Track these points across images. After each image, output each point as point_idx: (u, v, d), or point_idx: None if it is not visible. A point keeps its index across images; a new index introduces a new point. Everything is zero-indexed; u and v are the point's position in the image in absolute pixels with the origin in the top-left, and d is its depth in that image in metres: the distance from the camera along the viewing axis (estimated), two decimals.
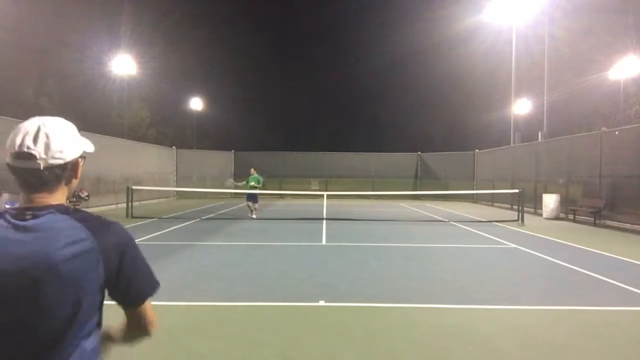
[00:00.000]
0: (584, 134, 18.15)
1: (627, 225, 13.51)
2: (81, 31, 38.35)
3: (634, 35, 33.91)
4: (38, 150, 1.22)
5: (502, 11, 26.51)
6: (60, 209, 1.25)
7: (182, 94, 49.38)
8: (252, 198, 16.00)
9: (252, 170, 16.56)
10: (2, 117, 15.14)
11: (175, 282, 6.45)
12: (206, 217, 16.25)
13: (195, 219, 15.36)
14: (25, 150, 1.21)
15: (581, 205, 15.55)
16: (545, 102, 24.82)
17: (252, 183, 16.05)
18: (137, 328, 1.37)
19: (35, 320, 1.13)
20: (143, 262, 1.34)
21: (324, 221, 14.77)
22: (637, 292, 6.09)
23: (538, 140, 21.23)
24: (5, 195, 14.06)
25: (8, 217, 1.20)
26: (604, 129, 15.87)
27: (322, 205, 21.06)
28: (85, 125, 29.22)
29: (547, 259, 8.46)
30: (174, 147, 29.39)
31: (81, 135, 1.39)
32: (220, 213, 17.95)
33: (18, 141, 1.23)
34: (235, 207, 21.30)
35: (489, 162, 26.05)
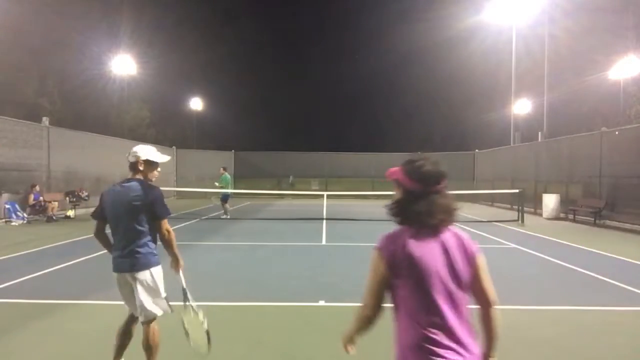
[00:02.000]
0: (584, 134, 18.15)
1: (627, 225, 13.50)
2: (81, 31, 38.36)
3: (634, 35, 33.91)
4: (130, 159, 3.24)
5: (502, 11, 26.51)
6: (137, 180, 3.21)
7: (182, 94, 49.42)
8: (226, 198, 16.05)
9: (222, 169, 16.58)
10: (2, 117, 15.16)
11: (175, 282, 6.45)
12: (206, 217, 16.25)
13: (195, 219, 15.36)
14: (128, 158, 3.25)
15: (581, 205, 15.55)
16: (545, 102, 24.82)
17: (222, 184, 16.17)
18: (161, 233, 3.25)
19: (126, 218, 3.12)
20: (162, 203, 3.23)
21: (324, 221, 14.76)
22: (637, 292, 6.09)
23: (538, 140, 21.22)
24: (5, 195, 14.07)
25: (120, 182, 3.24)
26: (604, 129, 15.86)
27: (322, 205, 21.06)
28: (85, 125, 29.27)
29: (547, 259, 8.46)
30: (174, 147, 29.38)
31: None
32: (220, 213, 17.94)
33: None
34: (235, 207, 21.30)
35: (489, 162, 26.04)
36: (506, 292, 6.10)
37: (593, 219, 14.64)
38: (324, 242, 10.36)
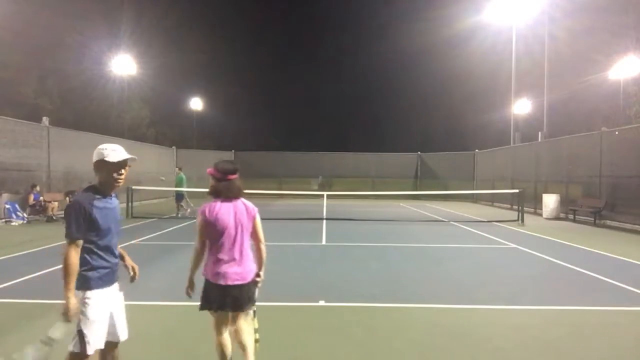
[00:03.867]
0: (584, 134, 18.14)
1: (627, 225, 13.50)
2: (81, 31, 38.32)
3: (634, 35, 33.88)
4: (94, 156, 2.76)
5: (502, 11, 26.50)
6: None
7: (182, 94, 49.39)
8: (180, 197, 16.08)
9: (178, 170, 16.58)
10: (2, 117, 15.15)
11: (175, 282, 6.45)
12: None
13: (196, 219, 15.35)
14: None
15: (581, 205, 15.55)
16: (545, 102, 24.81)
17: (177, 184, 16.22)
18: None
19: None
20: (67, 219, 2.65)
21: (324, 221, 14.76)
22: (637, 292, 6.09)
23: (538, 140, 21.22)
24: (5, 195, 14.06)
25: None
26: (604, 129, 15.86)
27: (322, 205, 21.06)
28: (85, 125, 29.26)
29: (547, 259, 8.46)
30: (174, 147, 29.38)
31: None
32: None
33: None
34: None
35: (489, 162, 26.04)
36: (506, 292, 6.10)
37: (593, 219, 14.64)
38: (324, 242, 10.36)
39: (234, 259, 3.04)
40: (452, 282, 6.63)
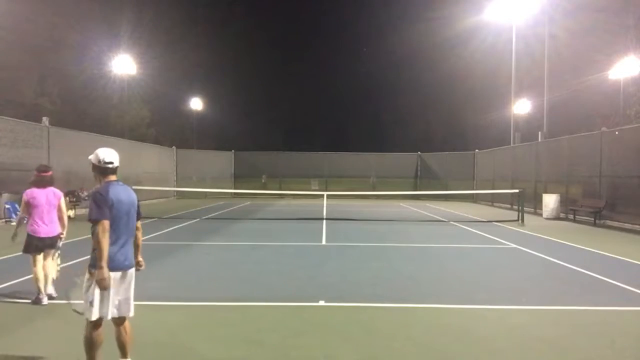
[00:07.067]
0: (584, 134, 18.13)
1: (627, 225, 13.50)
2: (81, 31, 38.32)
3: (634, 35, 33.86)
4: (115, 161, 3.57)
5: (502, 11, 26.49)
6: (118, 181, 3.59)
7: (182, 94, 49.34)
8: None
9: None
10: (2, 117, 15.16)
11: (175, 282, 6.46)
12: (206, 217, 16.25)
13: (195, 219, 15.36)
14: (111, 160, 3.55)
15: (581, 205, 15.55)
16: (545, 102, 24.79)
17: None
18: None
19: (133, 216, 3.66)
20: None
21: (324, 221, 14.76)
22: (637, 292, 6.09)
23: (538, 140, 21.22)
24: (5, 195, 14.06)
25: (116, 183, 3.52)
26: (604, 129, 15.85)
27: (322, 205, 21.06)
28: (85, 125, 29.25)
29: (547, 259, 8.46)
30: (174, 147, 29.38)
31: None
32: (220, 213, 17.95)
33: (107, 158, 3.54)
34: (235, 207, 21.30)
35: (489, 162, 26.03)
36: (506, 292, 6.10)
37: (593, 219, 14.64)
38: (324, 242, 10.36)
39: (45, 222, 5.36)
40: (452, 282, 6.64)
